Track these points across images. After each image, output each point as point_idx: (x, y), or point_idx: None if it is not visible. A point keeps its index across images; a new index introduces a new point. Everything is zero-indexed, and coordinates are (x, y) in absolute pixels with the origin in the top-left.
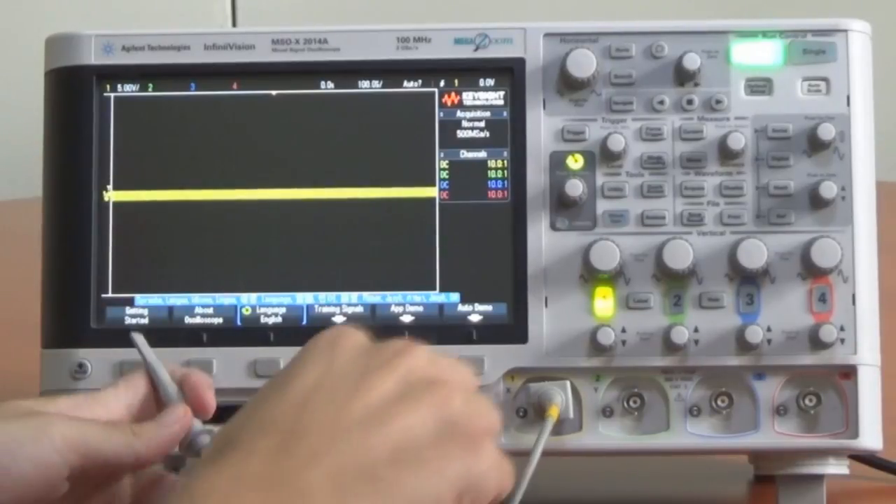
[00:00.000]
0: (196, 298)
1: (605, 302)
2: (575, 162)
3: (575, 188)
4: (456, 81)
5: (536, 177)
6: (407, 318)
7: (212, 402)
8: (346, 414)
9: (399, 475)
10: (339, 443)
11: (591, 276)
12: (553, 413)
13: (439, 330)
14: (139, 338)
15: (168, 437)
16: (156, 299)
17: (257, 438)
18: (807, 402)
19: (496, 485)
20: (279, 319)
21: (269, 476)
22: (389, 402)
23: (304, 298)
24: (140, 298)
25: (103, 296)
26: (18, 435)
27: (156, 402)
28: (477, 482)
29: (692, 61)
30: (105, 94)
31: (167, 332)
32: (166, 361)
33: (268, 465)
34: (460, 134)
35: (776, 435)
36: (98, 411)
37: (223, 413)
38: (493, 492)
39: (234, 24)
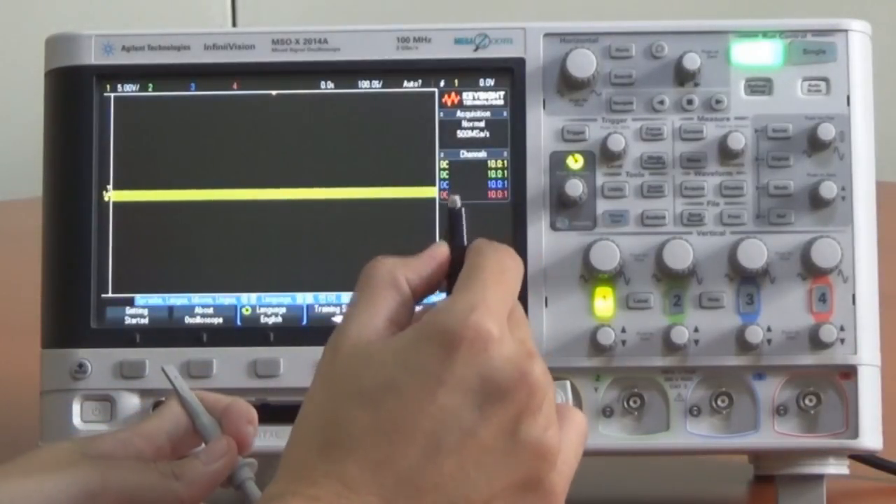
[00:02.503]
0: (196, 298)
1: (605, 302)
2: (575, 162)
3: (575, 188)
4: (456, 81)
5: (536, 177)
6: None
7: (250, 438)
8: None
9: None
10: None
11: (591, 276)
12: None
13: None
14: (172, 370)
15: (212, 475)
16: (156, 299)
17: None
18: (807, 402)
19: None
20: (279, 319)
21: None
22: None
23: (304, 298)
24: (140, 298)
25: (103, 296)
26: (56, 489)
27: (193, 430)
28: None
29: (692, 61)
30: (105, 94)
31: (167, 332)
32: (208, 393)
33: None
34: (460, 134)
35: (776, 435)
36: (142, 446)
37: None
38: None
39: (234, 24)
